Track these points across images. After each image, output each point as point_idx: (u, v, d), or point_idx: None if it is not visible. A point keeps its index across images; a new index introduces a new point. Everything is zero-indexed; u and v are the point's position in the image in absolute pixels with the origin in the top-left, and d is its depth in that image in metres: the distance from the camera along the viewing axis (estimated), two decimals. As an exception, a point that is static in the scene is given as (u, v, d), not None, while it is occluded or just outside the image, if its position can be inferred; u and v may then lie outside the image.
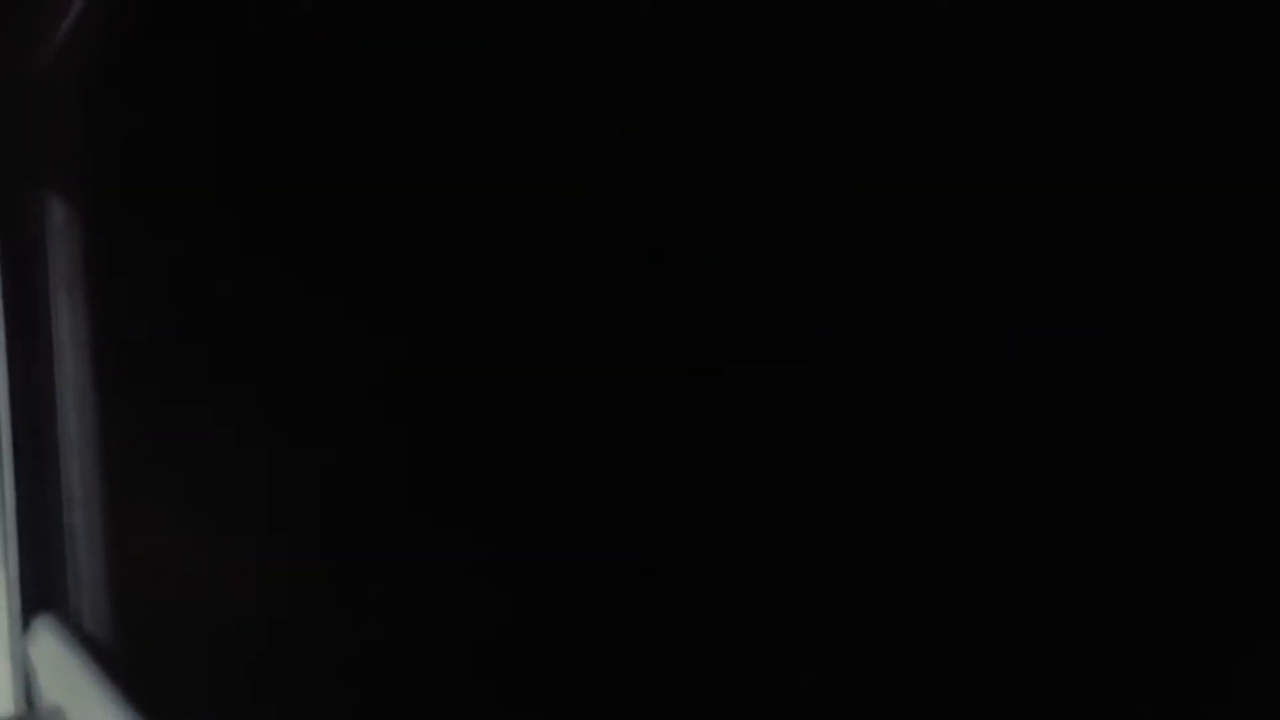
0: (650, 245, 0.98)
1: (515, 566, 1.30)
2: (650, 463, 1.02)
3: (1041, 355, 0.64)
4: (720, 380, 0.92)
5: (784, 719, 0.83)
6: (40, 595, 1.79)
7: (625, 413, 1.06)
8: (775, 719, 0.84)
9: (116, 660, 1.68)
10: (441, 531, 1.52)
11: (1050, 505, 0.64)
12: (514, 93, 1.17)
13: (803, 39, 0.82)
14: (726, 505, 0.90)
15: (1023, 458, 0.67)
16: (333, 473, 1.84)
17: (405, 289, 1.65)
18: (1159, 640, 0.58)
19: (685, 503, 0.97)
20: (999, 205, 0.68)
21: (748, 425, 0.89)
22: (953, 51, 0.70)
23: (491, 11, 1.18)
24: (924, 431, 0.72)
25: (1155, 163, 0.59)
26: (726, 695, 0.90)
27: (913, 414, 0.74)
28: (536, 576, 1.26)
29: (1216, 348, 0.56)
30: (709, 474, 0.93)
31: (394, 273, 1.68)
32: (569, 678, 1.18)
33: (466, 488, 1.48)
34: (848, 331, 0.79)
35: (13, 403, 1.76)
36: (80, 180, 1.72)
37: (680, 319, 0.95)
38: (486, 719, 1.36)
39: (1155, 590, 0.59)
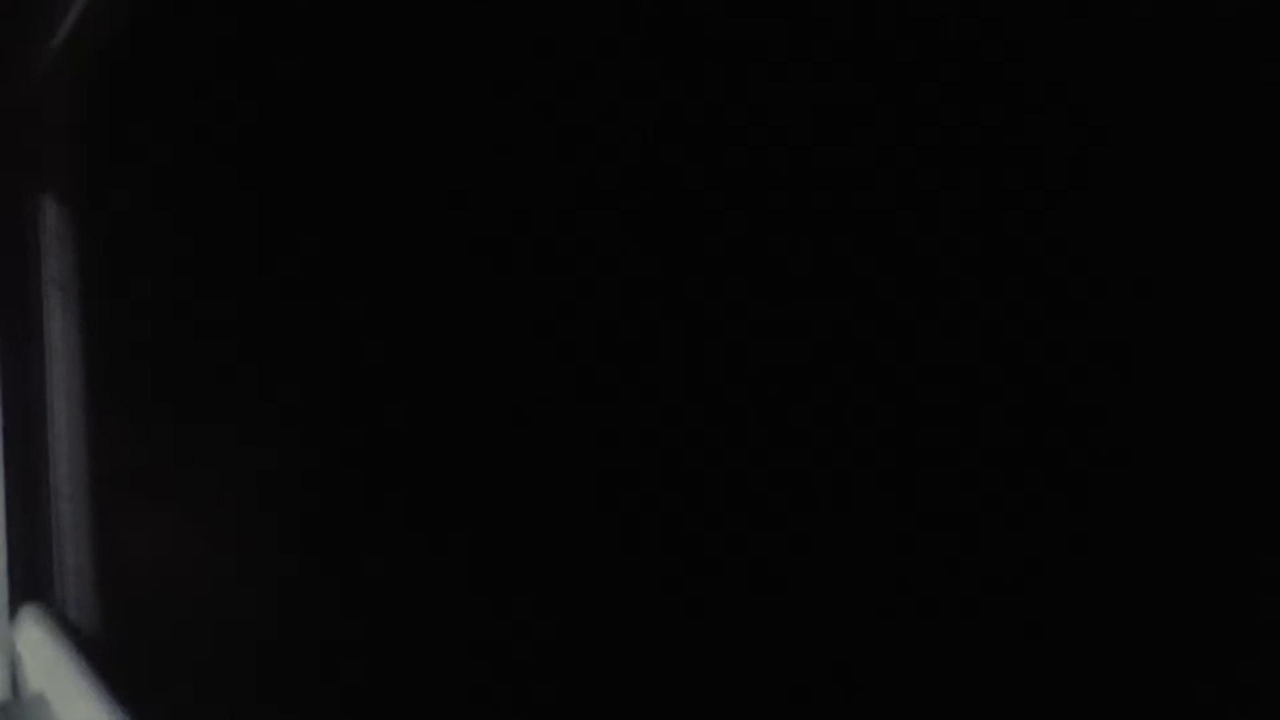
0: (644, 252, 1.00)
1: (503, 574, 1.33)
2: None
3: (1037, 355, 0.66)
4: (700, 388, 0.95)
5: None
6: (28, 585, 1.84)
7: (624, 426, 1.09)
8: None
9: (99, 649, 1.72)
10: (418, 519, 1.55)
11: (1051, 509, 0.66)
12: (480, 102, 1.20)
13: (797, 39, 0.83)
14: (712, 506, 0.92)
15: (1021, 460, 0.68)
16: (318, 468, 1.88)
17: (393, 295, 1.68)
18: (1155, 639, 0.60)
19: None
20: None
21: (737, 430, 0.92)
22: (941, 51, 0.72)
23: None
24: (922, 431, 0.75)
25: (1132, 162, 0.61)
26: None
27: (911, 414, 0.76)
28: (525, 586, 1.27)
29: (1212, 347, 0.57)
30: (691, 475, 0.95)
31: (384, 278, 1.72)
32: (560, 681, 1.20)
33: (450, 487, 1.51)
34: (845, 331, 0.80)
35: (4, 399, 1.80)
36: (74, 182, 1.77)
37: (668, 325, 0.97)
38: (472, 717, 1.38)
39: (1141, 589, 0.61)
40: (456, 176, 1.40)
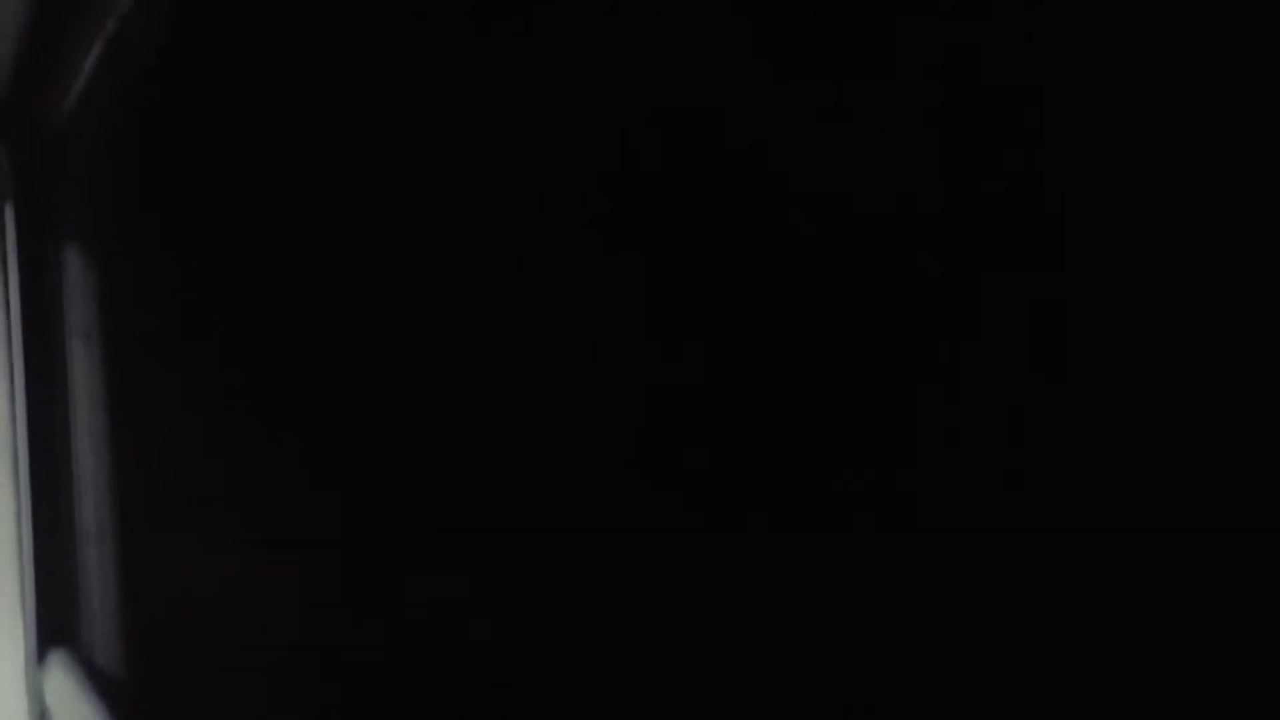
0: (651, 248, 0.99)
1: (527, 591, 1.32)
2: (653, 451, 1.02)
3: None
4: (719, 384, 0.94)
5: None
6: (55, 630, 1.85)
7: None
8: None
9: (126, 694, 1.73)
10: (460, 559, 1.54)
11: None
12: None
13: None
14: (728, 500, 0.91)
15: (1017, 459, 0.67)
16: (347, 509, 1.88)
17: (425, 323, 1.68)
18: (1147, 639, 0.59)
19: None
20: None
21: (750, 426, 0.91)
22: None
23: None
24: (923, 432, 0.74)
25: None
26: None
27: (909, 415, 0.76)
28: (548, 604, 1.26)
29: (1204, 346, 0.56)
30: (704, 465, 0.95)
31: (412, 310, 1.72)
32: (579, 689, 1.19)
33: (483, 513, 1.51)
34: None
35: (31, 446, 1.82)
36: (97, 233, 1.79)
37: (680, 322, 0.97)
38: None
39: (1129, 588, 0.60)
40: (492, 206, 1.40)
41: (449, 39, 1.39)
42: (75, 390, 1.79)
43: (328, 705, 1.78)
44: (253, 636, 1.85)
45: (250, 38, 1.71)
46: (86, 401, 1.79)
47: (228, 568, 1.92)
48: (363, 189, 1.80)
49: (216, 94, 1.81)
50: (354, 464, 1.88)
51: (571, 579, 1.20)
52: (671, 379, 0.98)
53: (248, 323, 1.91)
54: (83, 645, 1.82)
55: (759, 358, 0.87)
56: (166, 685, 1.79)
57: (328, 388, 1.88)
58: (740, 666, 0.88)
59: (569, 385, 1.16)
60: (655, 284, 0.98)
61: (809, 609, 0.84)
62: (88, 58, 1.61)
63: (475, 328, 1.42)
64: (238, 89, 1.81)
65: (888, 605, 0.74)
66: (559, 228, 1.14)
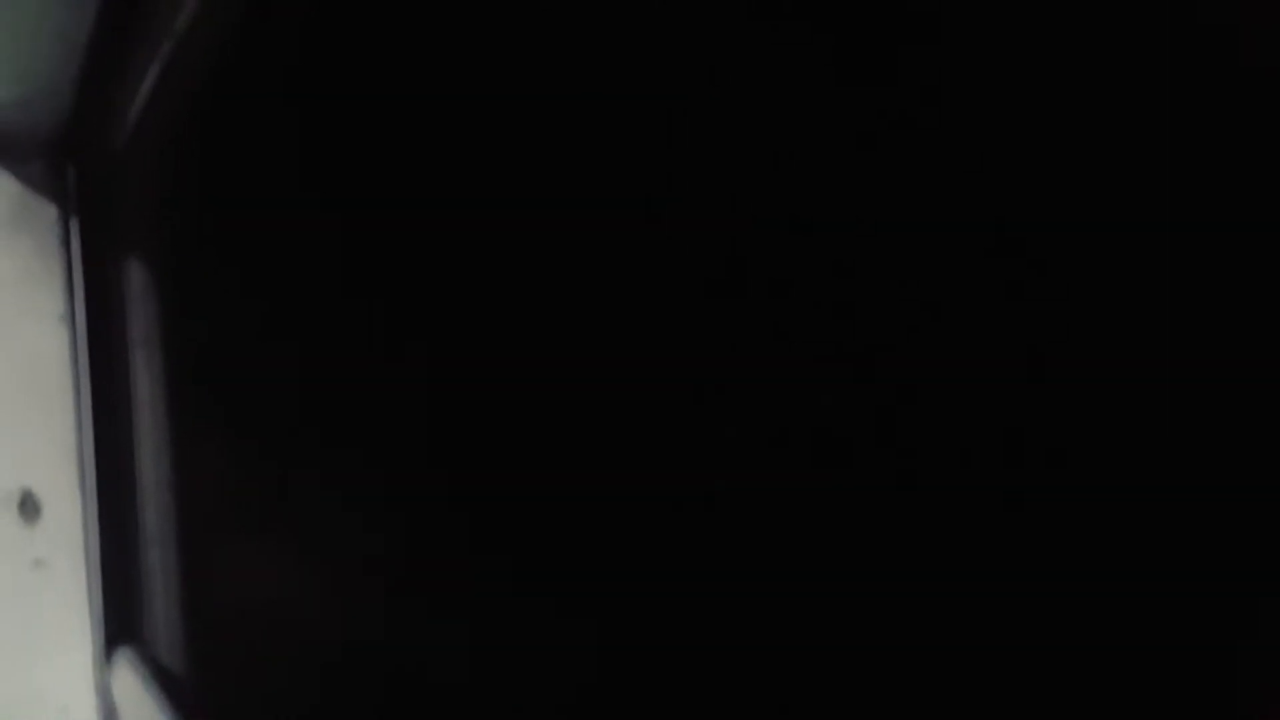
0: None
1: (605, 602, 1.32)
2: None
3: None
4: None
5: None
6: (120, 628, 1.92)
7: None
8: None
9: (191, 691, 1.79)
10: (530, 566, 1.55)
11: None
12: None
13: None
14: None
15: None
16: (413, 514, 1.91)
17: (497, 341, 1.70)
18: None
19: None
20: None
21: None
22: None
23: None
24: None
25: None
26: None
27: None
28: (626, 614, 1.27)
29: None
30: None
31: (483, 326, 1.74)
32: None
33: (554, 525, 1.52)
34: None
35: (97, 451, 1.89)
36: (157, 245, 1.85)
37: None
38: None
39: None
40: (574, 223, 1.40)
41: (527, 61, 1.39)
42: (137, 398, 1.86)
43: (380, 706, 1.82)
44: (308, 637, 1.90)
45: (303, 58, 1.75)
46: (148, 408, 1.85)
47: (285, 570, 1.98)
48: (417, 202, 1.83)
49: (271, 111, 1.85)
50: (413, 470, 1.91)
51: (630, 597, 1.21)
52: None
53: (305, 332, 1.95)
54: (147, 643, 1.89)
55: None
56: (227, 682, 1.85)
57: (386, 396, 1.92)
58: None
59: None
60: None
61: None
62: (146, 80, 1.67)
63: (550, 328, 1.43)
64: (291, 106, 1.85)
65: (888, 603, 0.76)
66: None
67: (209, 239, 1.86)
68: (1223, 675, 0.57)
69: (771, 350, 0.90)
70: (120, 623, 1.91)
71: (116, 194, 1.89)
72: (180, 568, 1.89)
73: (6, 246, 1.86)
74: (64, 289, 1.90)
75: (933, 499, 0.76)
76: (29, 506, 1.87)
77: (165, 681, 1.78)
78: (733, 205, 0.92)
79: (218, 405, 1.93)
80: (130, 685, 1.80)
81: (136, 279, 1.84)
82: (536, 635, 1.54)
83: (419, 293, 1.85)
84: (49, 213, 1.90)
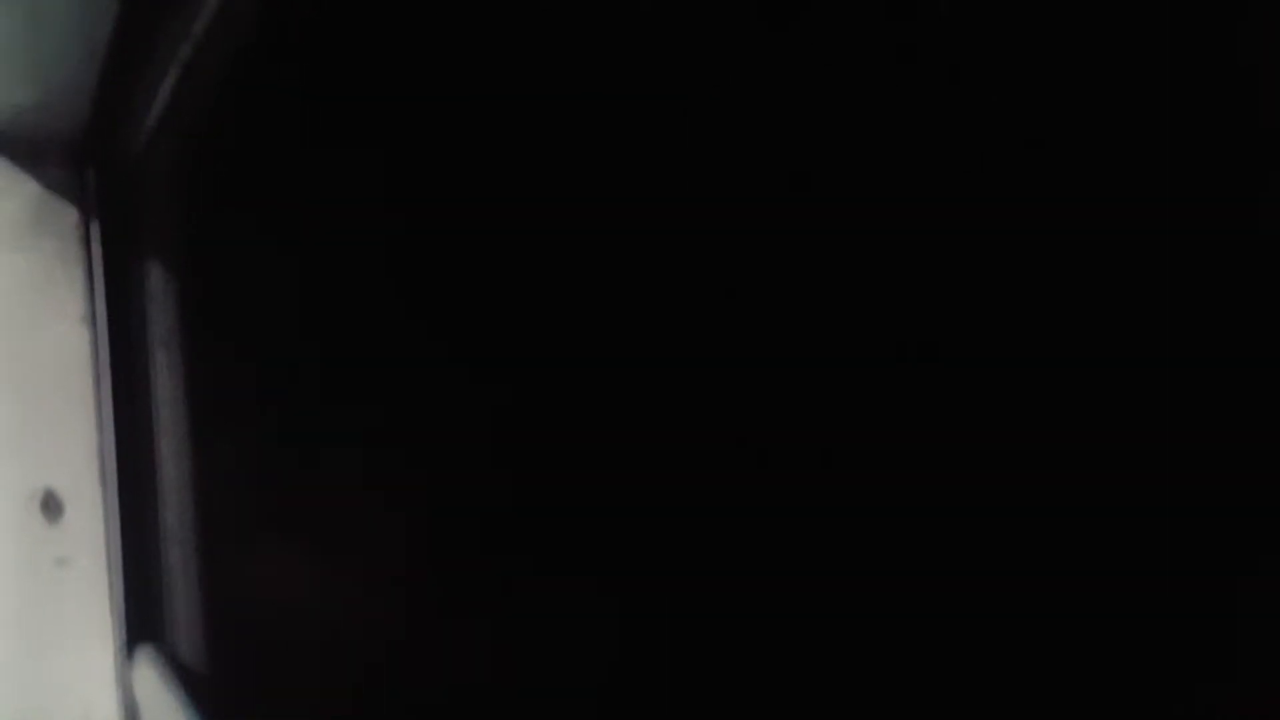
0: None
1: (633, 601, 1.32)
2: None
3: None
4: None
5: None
6: (142, 626, 1.94)
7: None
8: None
9: (212, 689, 1.80)
10: (551, 566, 1.55)
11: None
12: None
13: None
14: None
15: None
16: (436, 513, 1.91)
17: (514, 332, 1.69)
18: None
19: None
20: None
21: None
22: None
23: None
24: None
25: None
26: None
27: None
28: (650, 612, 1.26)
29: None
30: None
31: (499, 316, 1.74)
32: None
33: (582, 524, 1.51)
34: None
35: (118, 450, 1.91)
36: (178, 246, 1.87)
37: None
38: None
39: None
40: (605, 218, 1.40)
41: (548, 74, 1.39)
42: (158, 396, 1.87)
43: (401, 704, 1.83)
44: (328, 635, 1.91)
45: (320, 59, 1.76)
46: (169, 407, 1.87)
47: (305, 569, 1.99)
48: (426, 197, 1.84)
49: (289, 112, 1.87)
50: (437, 470, 1.92)
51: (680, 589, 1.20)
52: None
53: (326, 331, 1.96)
54: (168, 641, 1.90)
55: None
56: (248, 680, 1.86)
57: (409, 395, 1.92)
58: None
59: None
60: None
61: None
62: (165, 82, 1.68)
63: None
64: (309, 106, 1.86)
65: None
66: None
67: (229, 240, 1.88)
68: (1223, 675, 0.56)
69: (775, 350, 0.90)
70: (142, 621, 1.93)
71: (137, 196, 1.91)
72: (201, 566, 1.91)
73: (28, 248, 1.88)
74: (85, 290, 1.91)
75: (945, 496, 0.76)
76: (51, 506, 1.89)
77: (186, 679, 1.79)
78: (732, 205, 0.92)
79: (239, 405, 1.95)
80: (151, 683, 1.82)
81: (157, 280, 1.86)
82: (558, 634, 1.53)
83: (441, 289, 1.86)
84: (70, 215, 1.92)
